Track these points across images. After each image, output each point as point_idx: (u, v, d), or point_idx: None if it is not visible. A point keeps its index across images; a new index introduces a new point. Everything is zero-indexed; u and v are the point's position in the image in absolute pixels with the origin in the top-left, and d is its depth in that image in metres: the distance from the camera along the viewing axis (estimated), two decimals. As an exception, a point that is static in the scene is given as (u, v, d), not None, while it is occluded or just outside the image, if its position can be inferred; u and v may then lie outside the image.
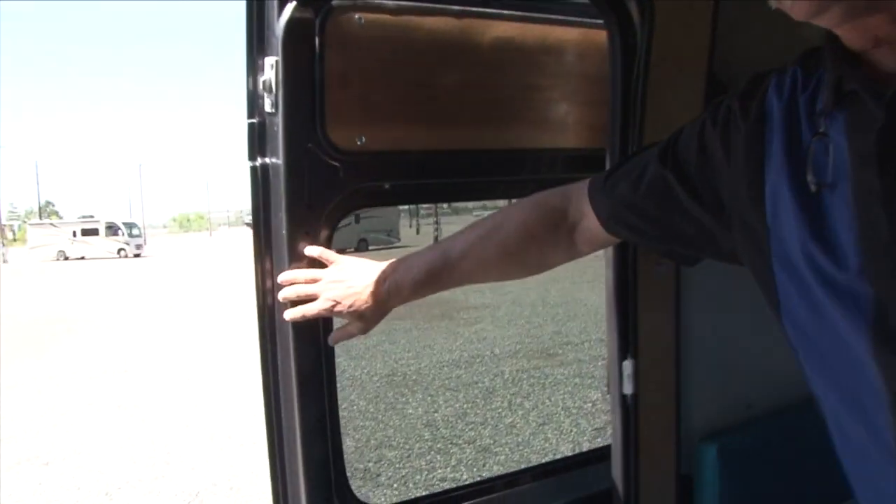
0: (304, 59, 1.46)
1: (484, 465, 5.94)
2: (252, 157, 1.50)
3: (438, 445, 6.50)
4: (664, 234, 1.21)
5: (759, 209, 0.97)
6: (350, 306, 1.44)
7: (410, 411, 7.59)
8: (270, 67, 1.44)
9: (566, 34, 1.80)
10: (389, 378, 9.09)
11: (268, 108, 1.47)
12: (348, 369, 9.67)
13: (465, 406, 7.67)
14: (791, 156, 0.94)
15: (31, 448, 7.13)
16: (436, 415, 7.41)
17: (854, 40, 0.87)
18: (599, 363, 8.16)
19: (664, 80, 1.66)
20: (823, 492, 2.07)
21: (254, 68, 1.46)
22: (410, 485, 5.61)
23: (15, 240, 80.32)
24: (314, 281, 1.47)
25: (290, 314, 1.46)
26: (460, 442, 6.56)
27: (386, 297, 1.44)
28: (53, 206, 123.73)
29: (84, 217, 53.62)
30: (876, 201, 0.83)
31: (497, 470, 5.81)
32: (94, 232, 48.97)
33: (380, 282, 1.43)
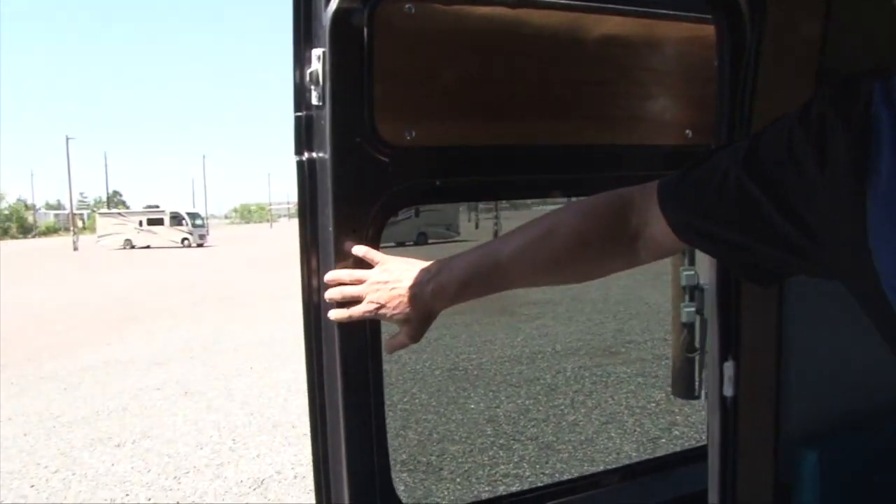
0: (352, 50, 1.40)
1: (547, 463, 5.92)
2: (299, 152, 1.46)
3: (501, 441, 6.50)
4: (744, 246, 1.07)
5: (860, 227, 0.88)
6: (394, 309, 1.38)
7: (472, 406, 7.59)
8: (318, 59, 1.39)
9: (641, 26, 1.73)
10: (451, 372, 9.10)
11: (315, 101, 1.42)
12: (409, 363, 9.72)
13: (526, 402, 7.65)
14: None
15: (104, 429, 7.33)
16: (498, 410, 7.40)
17: None
18: (663, 363, 8.05)
19: (774, 78, 1.61)
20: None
21: (301, 60, 1.42)
22: (473, 480, 5.62)
23: (84, 228, 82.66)
24: (360, 281, 1.41)
25: (336, 315, 1.42)
26: (523, 439, 6.55)
27: (430, 299, 1.37)
28: (121, 195, 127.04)
29: (150, 207, 54.93)
30: None
31: (560, 468, 5.79)
32: (160, 222, 50.04)
33: (424, 283, 1.36)
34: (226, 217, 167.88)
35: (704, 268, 1.79)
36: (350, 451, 1.50)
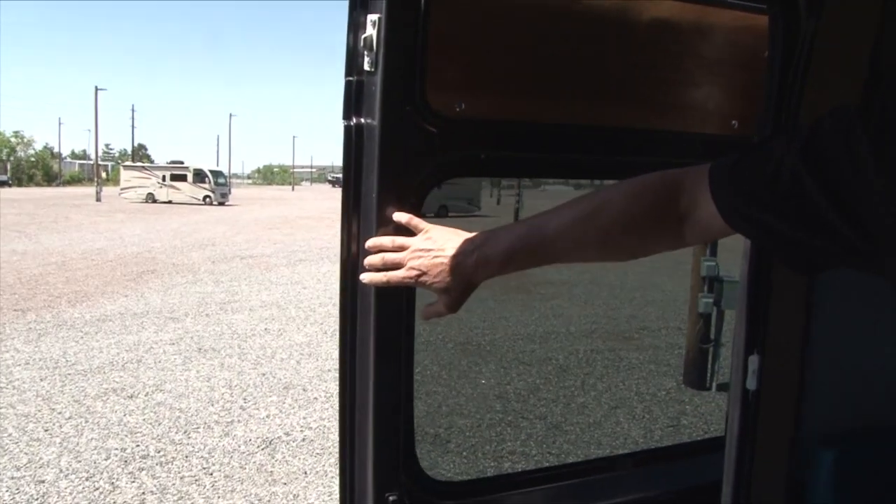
0: (408, 18, 1.39)
1: (554, 443, 5.94)
2: (347, 117, 1.45)
3: (509, 418, 6.53)
4: (793, 238, 1.05)
5: None
6: (435, 277, 1.37)
7: (483, 381, 7.62)
8: (372, 25, 1.38)
9: (693, 12, 1.70)
10: (464, 346, 9.14)
11: (367, 66, 1.40)
12: (423, 333, 9.75)
13: (537, 381, 7.68)
14: None
15: (118, 380, 7.42)
16: (508, 387, 7.43)
17: None
18: (676, 352, 8.05)
19: (824, 74, 1.59)
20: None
21: (355, 25, 1.40)
22: (479, 454, 5.66)
23: (108, 180, 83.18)
24: (401, 248, 1.40)
25: (374, 279, 1.41)
26: (531, 417, 6.58)
27: (473, 269, 1.35)
28: (146, 149, 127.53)
29: (174, 162, 55.07)
30: None
31: (567, 448, 5.81)
32: (183, 178, 50.24)
33: (467, 253, 1.35)
34: (248, 177, 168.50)
35: (736, 260, 1.77)
36: (377, 415, 1.50)
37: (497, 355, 8.73)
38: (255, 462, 5.46)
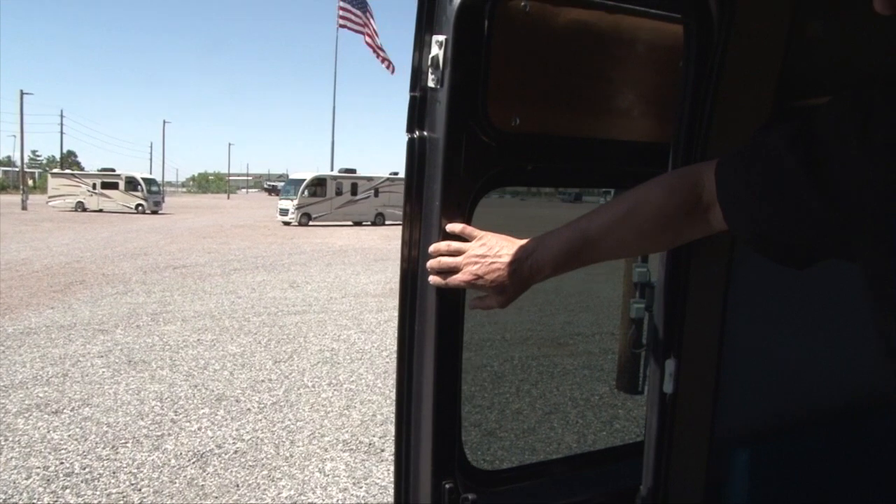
0: (473, 39, 1.51)
1: (489, 450, 5.96)
2: (410, 129, 1.56)
3: (444, 426, 6.52)
4: (781, 227, 1.18)
5: (888, 202, 0.95)
6: (492, 281, 1.49)
7: (418, 389, 7.60)
8: (439, 45, 1.49)
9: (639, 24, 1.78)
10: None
11: (430, 83, 1.52)
12: (358, 342, 9.73)
13: (472, 388, 7.67)
14: None
15: (41, 396, 7.20)
16: (443, 395, 7.42)
17: None
18: (609, 357, 8.14)
19: (737, 79, 1.64)
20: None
21: (420, 44, 1.52)
22: (414, 462, 5.65)
23: (35, 188, 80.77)
24: (458, 253, 1.51)
25: (433, 280, 1.53)
26: (465, 424, 6.53)
27: (528, 274, 1.48)
28: (76, 156, 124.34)
29: (104, 170, 53.71)
30: None
31: (501, 455, 5.83)
32: (114, 186, 49.09)
33: (522, 259, 1.47)
34: (183, 186, 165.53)
35: (655, 266, 1.82)
36: (437, 411, 1.61)
37: (432, 363, 8.72)
38: (185, 476, 5.35)
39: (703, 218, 1.32)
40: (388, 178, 40.96)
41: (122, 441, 6.02)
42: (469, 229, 1.54)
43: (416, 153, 1.55)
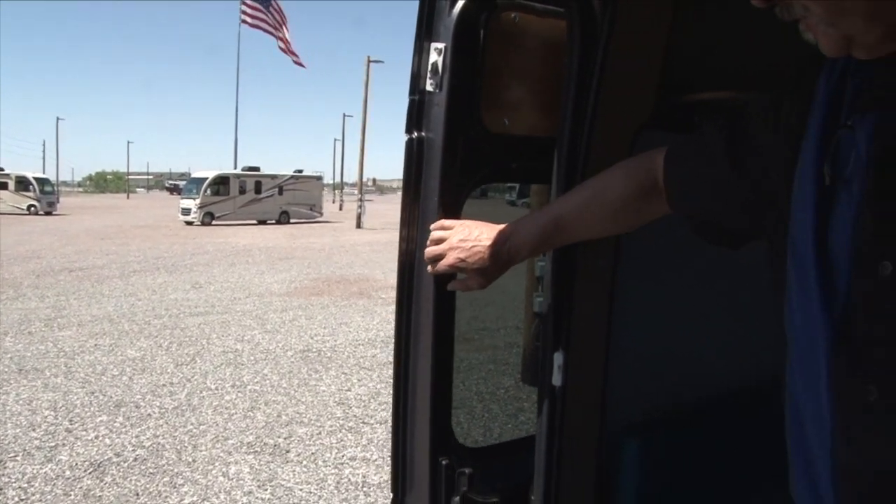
0: (470, 47, 1.64)
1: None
2: (409, 131, 1.69)
3: (350, 424, 6.52)
4: (712, 207, 1.28)
5: (789, 190, 1.01)
6: (475, 264, 1.58)
7: (323, 388, 7.58)
8: (438, 52, 1.62)
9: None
10: (304, 354, 9.05)
11: (429, 87, 1.64)
12: (262, 342, 9.60)
13: (378, 386, 7.69)
14: (822, 141, 0.97)
15: (-75, 408, 6.86)
16: (349, 393, 7.42)
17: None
18: (514, 350, 8.25)
19: (620, 73, 1.70)
20: (740, 488, 2.15)
21: (420, 51, 1.65)
22: (320, 462, 5.61)
23: (-85, 189, 76.52)
24: (442, 241, 1.62)
25: (429, 269, 1.65)
26: (372, 422, 6.59)
27: (507, 256, 1.56)
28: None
29: (-8, 170, 51.33)
30: (870, 208, 0.89)
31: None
32: (3, 186, 46.91)
33: (501, 243, 1.56)
34: (79, 185, 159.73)
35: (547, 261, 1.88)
36: (434, 394, 1.75)
37: (338, 362, 8.70)
38: (81, 487, 5.17)
39: (659, 199, 1.40)
40: (292, 176, 40.49)
41: (11, 455, 5.77)
42: (447, 220, 1.65)
43: (415, 152, 1.68)
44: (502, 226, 1.59)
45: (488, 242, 1.57)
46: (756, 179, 1.13)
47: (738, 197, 1.18)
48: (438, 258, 1.62)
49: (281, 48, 47.28)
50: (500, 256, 1.57)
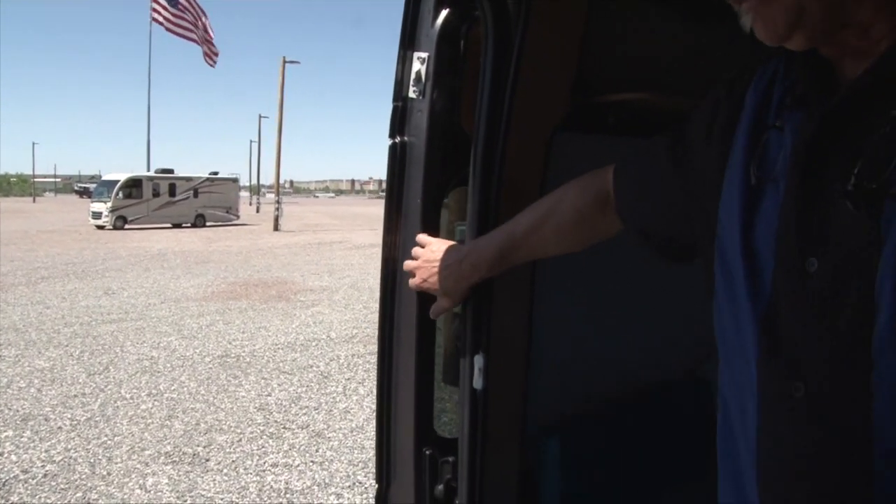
0: (452, 56, 1.74)
1: (317, 451, 5.92)
2: (392, 135, 1.79)
3: (271, 430, 6.42)
4: (661, 221, 1.28)
5: (716, 197, 1.03)
6: (435, 284, 1.64)
7: (243, 394, 7.46)
8: (421, 61, 1.72)
9: None
10: (222, 359, 8.89)
11: (412, 94, 1.74)
12: (179, 349, 9.39)
13: (299, 390, 7.61)
14: (750, 143, 0.99)
15: None
16: (269, 398, 7.32)
17: (823, 51, 0.92)
18: (437, 350, 8.26)
19: (535, 74, 1.72)
20: (658, 482, 2.21)
21: (403, 60, 1.76)
22: (241, 470, 5.52)
23: None
24: (416, 258, 1.69)
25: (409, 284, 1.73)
26: (293, 427, 6.51)
27: (468, 275, 1.60)
28: None
29: None
30: (793, 205, 0.89)
31: (330, 456, 5.81)
32: None
33: (457, 263, 1.60)
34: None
35: None
36: (419, 388, 1.84)
37: (257, 367, 8.57)
38: (-13, 505, 4.98)
39: (612, 212, 1.40)
40: (207, 179, 39.72)
41: (-86, 472, 5.52)
42: (421, 237, 1.71)
43: (398, 156, 1.78)
44: (462, 246, 1.64)
45: (445, 262, 1.61)
46: (690, 183, 1.14)
47: (680, 200, 1.19)
48: (412, 274, 1.70)
49: (176, 31, 45.86)
50: (459, 275, 1.60)
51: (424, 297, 1.78)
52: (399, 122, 1.78)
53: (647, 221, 1.33)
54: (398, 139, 1.78)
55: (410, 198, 1.78)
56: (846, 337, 0.83)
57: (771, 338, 0.91)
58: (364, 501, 5.06)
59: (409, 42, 1.75)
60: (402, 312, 1.86)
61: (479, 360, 1.79)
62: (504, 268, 1.59)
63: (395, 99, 1.78)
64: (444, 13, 1.72)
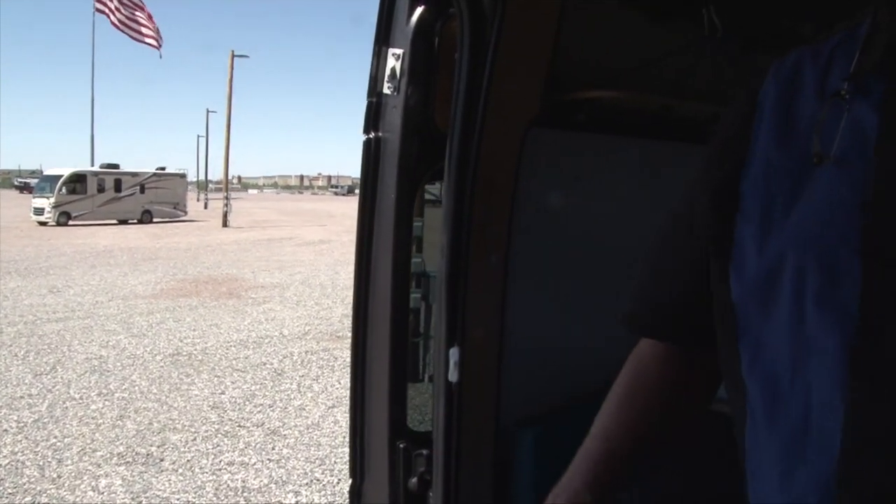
0: (426, 53, 1.75)
1: (273, 448, 5.89)
2: (367, 131, 1.80)
3: (226, 428, 6.37)
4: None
5: (735, 203, 0.86)
6: None
7: (196, 392, 7.37)
8: (396, 58, 1.74)
9: None
10: (174, 357, 8.78)
11: (387, 90, 1.75)
12: (129, 347, 9.25)
13: (253, 388, 7.56)
14: (787, 131, 0.83)
15: None
16: (223, 396, 7.25)
17: None
18: (390, 346, 8.27)
19: (509, 70, 1.74)
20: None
21: (378, 56, 1.77)
22: (196, 470, 5.46)
23: None
24: None
25: None
26: (248, 425, 6.46)
27: None
28: None
29: None
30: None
31: (286, 454, 5.78)
32: None
33: None
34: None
35: (431, 256, 1.94)
36: (393, 384, 1.86)
37: (209, 364, 8.48)
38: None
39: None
40: (154, 174, 39.07)
41: None
42: None
43: (373, 151, 1.79)
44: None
45: None
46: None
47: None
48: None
49: (117, 26, 44.99)
50: None
51: (397, 290, 1.81)
52: (374, 117, 1.79)
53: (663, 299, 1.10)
54: (372, 135, 1.80)
55: (384, 193, 1.79)
56: None
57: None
58: (322, 499, 5.05)
59: (384, 38, 1.76)
60: (375, 306, 1.87)
61: (454, 354, 1.80)
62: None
63: (369, 95, 1.80)
64: (419, 10, 1.74)
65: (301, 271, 17.07)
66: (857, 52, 0.79)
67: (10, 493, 5.10)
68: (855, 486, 0.70)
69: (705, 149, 0.97)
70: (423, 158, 1.81)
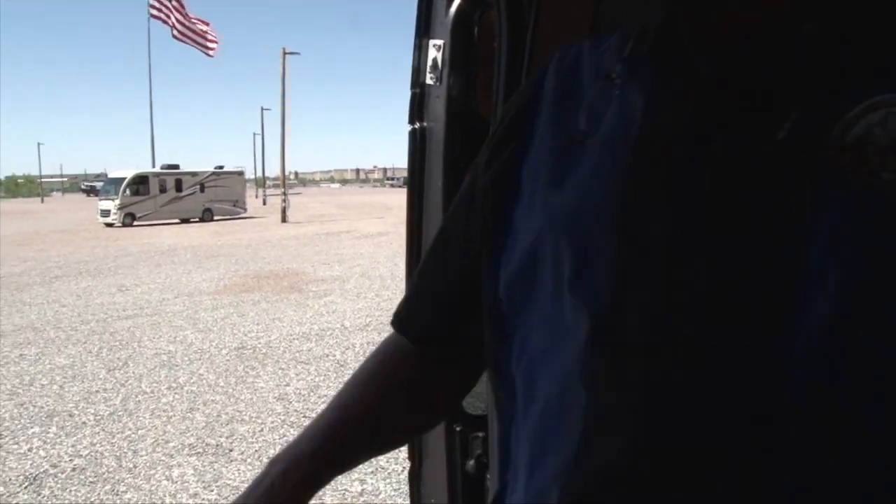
0: (466, 43, 1.77)
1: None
2: (412, 121, 1.83)
3: (291, 419, 6.52)
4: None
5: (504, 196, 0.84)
6: None
7: (261, 385, 7.55)
8: (437, 48, 1.76)
9: None
10: (239, 351, 8.99)
11: (429, 80, 1.78)
12: (196, 342, 9.50)
13: (316, 379, 7.71)
14: (563, 116, 0.81)
15: None
16: (287, 388, 7.41)
17: None
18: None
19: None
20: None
21: (419, 47, 1.80)
22: (264, 459, 5.61)
23: None
24: None
25: None
26: (313, 415, 6.56)
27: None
28: None
29: None
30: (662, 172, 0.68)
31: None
32: None
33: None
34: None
35: None
36: None
37: (273, 357, 8.67)
38: (17, 503, 5.10)
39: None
40: (213, 173, 39.75)
41: (-55, 470, 5.64)
42: None
43: (418, 141, 1.82)
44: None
45: None
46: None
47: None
48: None
49: (177, 37, 45.93)
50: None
51: None
52: (418, 108, 1.83)
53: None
54: (417, 125, 1.83)
55: (431, 181, 1.82)
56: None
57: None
58: (387, 487, 5.15)
59: (424, 30, 1.80)
60: None
61: None
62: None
63: (412, 86, 1.84)
64: (457, 1, 1.76)
65: (360, 264, 17.25)
66: (632, 40, 0.78)
67: (91, 482, 5.33)
68: (586, 472, 0.67)
69: (487, 139, 0.96)
70: (468, 146, 1.81)
